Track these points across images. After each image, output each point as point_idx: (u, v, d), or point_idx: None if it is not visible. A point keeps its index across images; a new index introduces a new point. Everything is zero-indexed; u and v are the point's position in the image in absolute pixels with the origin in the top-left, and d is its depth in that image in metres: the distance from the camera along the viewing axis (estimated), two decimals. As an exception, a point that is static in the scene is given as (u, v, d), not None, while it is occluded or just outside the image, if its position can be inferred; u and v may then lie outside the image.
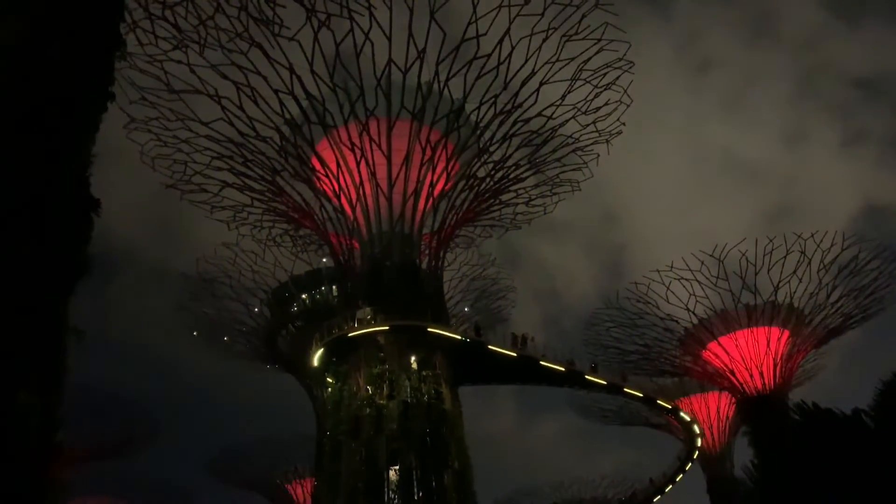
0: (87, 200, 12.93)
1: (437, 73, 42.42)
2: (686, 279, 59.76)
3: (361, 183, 46.02)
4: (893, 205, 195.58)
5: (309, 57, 40.37)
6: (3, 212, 11.09)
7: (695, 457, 70.21)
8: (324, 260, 61.28)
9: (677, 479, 70.34)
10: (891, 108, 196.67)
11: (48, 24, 12.67)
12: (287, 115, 43.93)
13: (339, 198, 46.94)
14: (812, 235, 56.86)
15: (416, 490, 38.92)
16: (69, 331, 11.98)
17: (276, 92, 42.12)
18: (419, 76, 42.44)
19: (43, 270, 11.47)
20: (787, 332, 61.57)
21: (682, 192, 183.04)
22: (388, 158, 45.40)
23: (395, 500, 38.19)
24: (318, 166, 46.50)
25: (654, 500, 69.42)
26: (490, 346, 46.35)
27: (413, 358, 42.86)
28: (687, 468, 70.36)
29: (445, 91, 43.80)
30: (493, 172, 49.23)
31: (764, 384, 62.04)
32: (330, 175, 46.33)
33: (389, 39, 40.20)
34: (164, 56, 40.61)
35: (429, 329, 43.01)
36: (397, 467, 39.10)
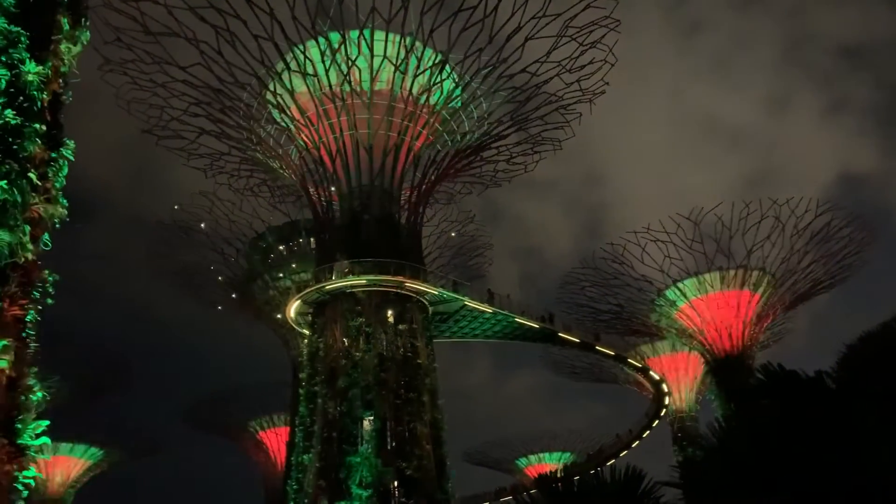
0: (56, 140, 12.67)
1: (421, 24, 41.71)
2: (662, 241, 60.48)
3: (342, 134, 45.52)
4: (870, 173, 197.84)
5: (290, 2, 39.39)
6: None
7: (662, 414, 72.21)
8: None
9: (644, 436, 72.49)
10: (875, 77, 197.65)
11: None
12: (267, 62, 43.01)
13: (318, 149, 46.45)
14: (787, 201, 57.63)
15: (389, 440, 39.66)
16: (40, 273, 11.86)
17: (255, 37, 41.12)
18: (403, 26, 41.71)
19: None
20: (757, 296, 62.82)
21: (664, 154, 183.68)
22: (369, 110, 44.86)
23: (368, 450, 38.87)
24: (297, 116, 45.82)
25: (621, 454, 71.56)
26: (467, 302, 46.84)
27: (389, 311, 43.17)
28: (654, 425, 72.43)
29: (429, 43, 43.11)
30: (474, 128, 48.92)
31: (732, 346, 63.49)
32: (310, 125, 45.72)
33: (373, -13, 39.32)
34: (139, -5, 39.33)
35: (406, 283, 43.25)
36: (371, 418, 39.71)
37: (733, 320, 63.47)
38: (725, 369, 62.94)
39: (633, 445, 72.48)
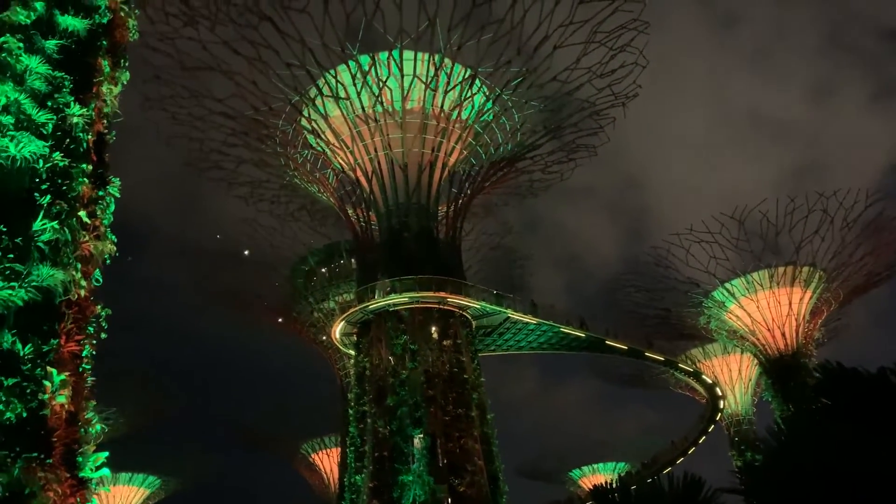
0: (102, 179, 13.07)
1: (449, 41, 41.97)
2: (706, 241, 59.33)
3: (377, 155, 45.96)
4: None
5: (320, 29, 40.11)
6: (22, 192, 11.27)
7: (718, 419, 70.47)
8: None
9: (700, 441, 70.76)
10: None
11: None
12: (300, 89, 43.81)
13: (354, 171, 46.97)
14: (834, 193, 56.06)
15: (440, 457, 39.50)
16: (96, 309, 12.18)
17: (288, 65, 41.95)
18: (431, 44, 42.02)
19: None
20: (809, 292, 61.06)
21: (706, 152, 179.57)
22: (402, 129, 45.22)
23: (421, 468, 38.78)
24: (332, 139, 46.46)
25: (677, 462, 69.97)
26: (510, 315, 46.57)
27: (433, 328, 43.17)
28: (710, 430, 70.69)
29: (458, 58, 43.36)
30: (508, 140, 48.91)
31: (787, 345, 61.73)
32: (345, 148, 46.30)
33: (400, 8, 39.78)
34: (175, 34, 40.54)
35: (448, 299, 43.24)
36: (421, 435, 39.65)
37: (786, 319, 61.76)
38: (781, 369, 61.22)
39: (690, 452, 70.82)
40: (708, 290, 62.42)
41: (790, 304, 61.33)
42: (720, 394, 68.50)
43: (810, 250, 58.50)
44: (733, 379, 75.41)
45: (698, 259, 60.34)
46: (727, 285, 61.64)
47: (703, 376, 66.32)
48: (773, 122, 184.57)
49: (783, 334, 61.83)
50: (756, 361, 67.31)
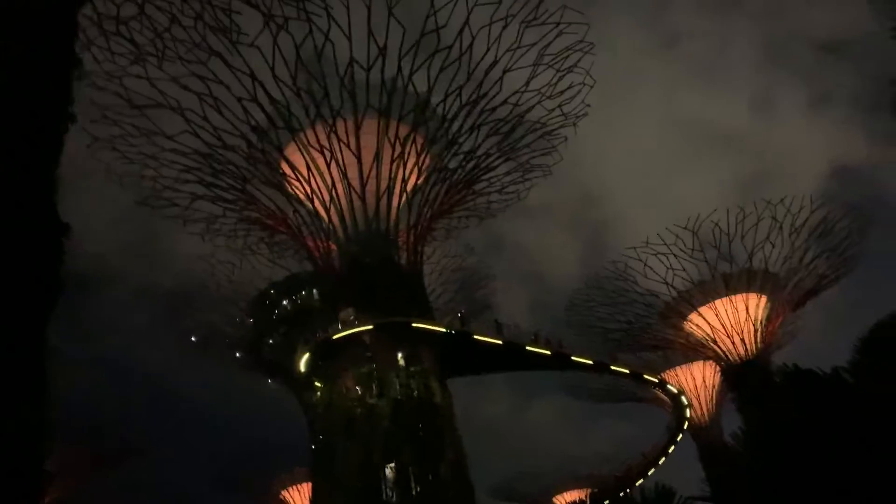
0: (55, 225, 12.82)
1: (400, 69, 42.38)
2: (662, 253, 60.52)
3: (333, 184, 45.88)
4: (862, 164, 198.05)
5: (270, 62, 40.09)
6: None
7: (685, 427, 71.29)
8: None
9: (670, 451, 71.39)
10: (854, 69, 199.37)
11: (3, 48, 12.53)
12: (252, 122, 43.57)
13: (311, 201, 46.77)
14: (781, 200, 57.91)
15: (413, 485, 39.08)
16: (48, 354, 11.90)
17: (239, 100, 41.76)
18: (382, 73, 42.36)
19: (17, 296, 11.37)
20: (764, 298, 62.62)
21: (658, 166, 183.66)
22: (359, 158, 45.29)
23: (393, 498, 38.31)
24: (288, 171, 46.24)
25: (649, 473, 70.44)
26: (475, 336, 46.55)
27: (400, 354, 42.91)
28: (678, 439, 71.41)
29: (410, 86, 43.76)
30: (463, 163, 49.33)
31: (746, 350, 63.05)
32: (301, 179, 46.10)
33: (350, 38, 40.09)
34: (122, 72, 40.05)
35: (413, 324, 43.08)
36: (393, 464, 39.20)
37: (744, 324, 63.15)
38: (743, 374, 62.44)
39: (661, 462, 71.36)
40: (667, 301, 63.54)
41: (747, 309, 62.79)
42: (685, 403, 69.38)
43: (762, 257, 60.17)
44: (697, 387, 76.52)
45: (656, 271, 61.54)
46: (684, 294, 62.86)
47: (669, 386, 67.15)
48: (722, 133, 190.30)
49: (742, 340, 63.16)
50: (718, 368, 68.50)
